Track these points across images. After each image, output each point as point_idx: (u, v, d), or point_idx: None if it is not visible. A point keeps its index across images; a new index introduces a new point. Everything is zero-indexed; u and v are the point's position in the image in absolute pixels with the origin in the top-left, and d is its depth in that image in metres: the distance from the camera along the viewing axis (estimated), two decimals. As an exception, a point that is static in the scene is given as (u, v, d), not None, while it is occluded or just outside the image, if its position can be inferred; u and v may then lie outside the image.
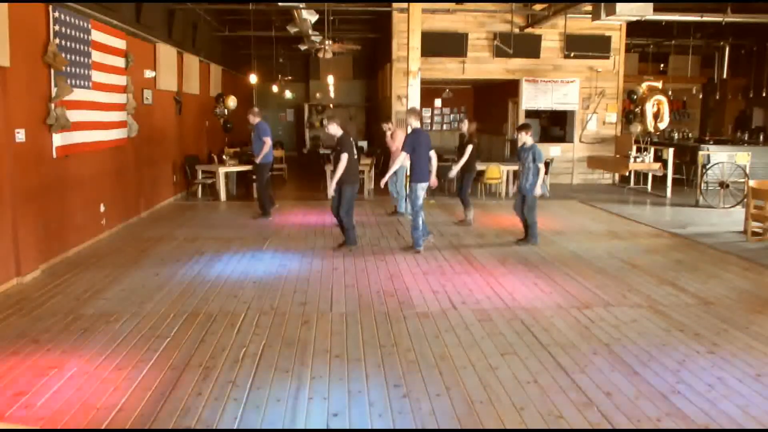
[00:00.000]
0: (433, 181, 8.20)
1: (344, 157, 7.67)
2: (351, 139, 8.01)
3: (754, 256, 7.79)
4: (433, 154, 8.05)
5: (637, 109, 14.95)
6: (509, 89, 15.98)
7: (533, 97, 15.05)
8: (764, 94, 16.67)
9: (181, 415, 3.67)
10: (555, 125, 16.94)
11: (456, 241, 8.56)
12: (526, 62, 14.76)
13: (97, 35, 8.27)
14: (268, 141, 10.09)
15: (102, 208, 8.60)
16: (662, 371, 4.31)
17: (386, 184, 9.16)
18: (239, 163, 12.72)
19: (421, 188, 7.85)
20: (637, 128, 14.39)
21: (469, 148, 9.59)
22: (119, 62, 9.10)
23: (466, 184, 9.83)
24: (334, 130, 7.97)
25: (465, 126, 9.90)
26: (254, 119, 10.26)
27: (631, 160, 13.37)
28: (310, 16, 12.14)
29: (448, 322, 5.30)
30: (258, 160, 10.11)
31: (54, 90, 7.11)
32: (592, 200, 12.39)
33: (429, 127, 20.62)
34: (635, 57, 18.88)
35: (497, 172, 12.43)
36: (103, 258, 7.52)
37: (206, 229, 9.36)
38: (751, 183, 9.05)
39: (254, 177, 10.86)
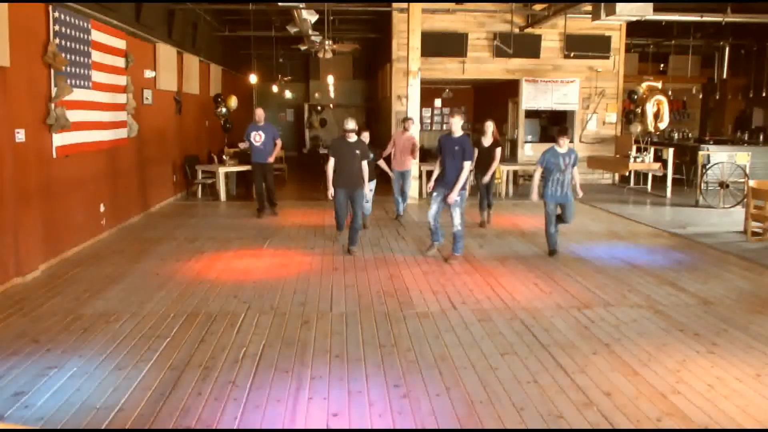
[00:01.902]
0: (451, 198, 7.24)
1: (329, 162, 7.79)
2: (350, 142, 7.71)
3: (754, 256, 7.79)
4: (466, 164, 7.20)
5: (637, 109, 14.96)
6: (509, 89, 15.98)
7: (533, 97, 15.04)
8: (764, 94, 16.66)
9: (181, 415, 3.67)
10: (555, 125, 16.92)
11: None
12: (526, 62, 14.75)
13: (97, 35, 8.27)
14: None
15: (102, 208, 8.60)
16: (662, 371, 4.31)
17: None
18: (239, 163, 12.71)
19: (433, 197, 7.49)
20: (637, 128, 14.39)
21: (498, 151, 9.36)
22: (119, 62, 9.10)
23: (491, 185, 9.71)
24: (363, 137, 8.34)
25: (490, 128, 9.30)
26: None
27: (631, 160, 13.37)
28: (310, 16, 12.14)
29: (448, 322, 5.30)
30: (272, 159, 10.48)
31: (54, 90, 7.11)
32: (592, 200, 12.38)
33: (429, 127, 20.60)
34: (635, 57, 18.86)
35: (497, 172, 12.42)
36: (103, 258, 7.52)
37: (206, 229, 9.36)
38: (751, 183, 9.05)
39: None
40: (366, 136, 8.61)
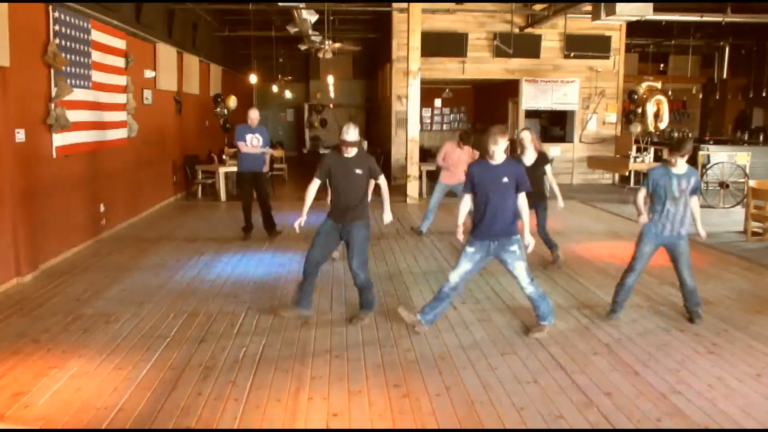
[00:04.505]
0: (527, 240, 4.99)
1: (312, 184, 5.34)
2: (349, 158, 5.27)
3: (754, 256, 7.79)
4: (522, 199, 4.98)
5: (637, 109, 14.97)
6: (509, 89, 15.99)
7: (533, 97, 15.06)
8: (764, 94, 16.69)
9: (181, 415, 3.67)
10: (555, 125, 16.96)
11: (456, 241, 8.55)
12: (526, 62, 14.77)
13: (97, 35, 8.27)
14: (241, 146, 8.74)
15: (102, 208, 8.59)
16: (662, 371, 4.31)
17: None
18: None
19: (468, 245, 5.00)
20: (637, 128, 14.41)
21: (549, 168, 7.08)
22: (119, 62, 9.10)
23: (543, 215, 7.13)
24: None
25: (527, 137, 6.88)
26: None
27: (631, 160, 13.37)
28: (310, 16, 12.13)
29: (448, 322, 5.30)
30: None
31: (54, 90, 7.11)
32: (592, 200, 12.39)
33: (429, 128, 20.60)
34: (635, 57, 18.88)
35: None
36: (103, 258, 7.52)
37: (206, 229, 9.36)
38: (751, 183, 9.06)
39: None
40: None
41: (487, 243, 4.92)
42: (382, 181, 5.47)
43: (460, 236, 5.15)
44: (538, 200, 6.84)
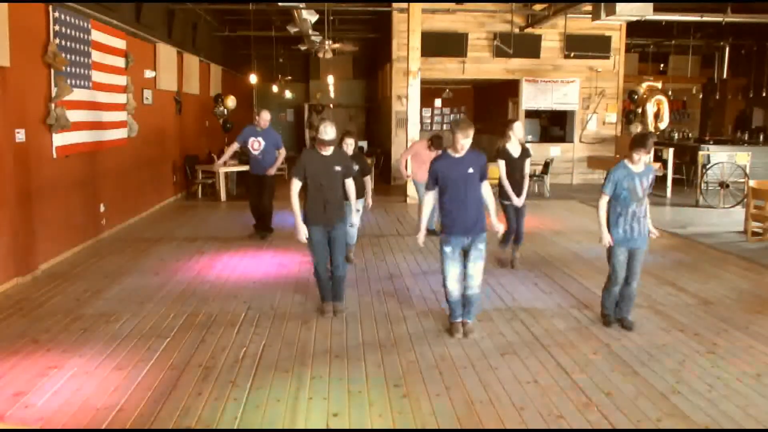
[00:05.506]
0: (497, 226, 5.08)
1: (293, 186, 5.45)
2: (326, 156, 5.36)
3: (754, 256, 7.79)
4: (486, 187, 4.97)
5: (637, 109, 14.97)
6: (509, 89, 15.99)
7: (533, 97, 15.05)
8: (764, 94, 16.69)
9: (181, 415, 3.67)
10: (555, 125, 16.96)
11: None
12: (526, 62, 14.76)
13: (97, 35, 8.27)
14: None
15: (102, 208, 8.60)
16: (662, 371, 4.31)
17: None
18: (239, 163, 12.71)
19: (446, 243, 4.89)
20: (637, 128, 14.40)
21: (528, 163, 7.07)
22: (119, 62, 9.10)
23: (524, 208, 7.18)
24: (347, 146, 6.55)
25: (519, 128, 6.98)
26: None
27: (631, 160, 13.36)
28: (310, 16, 12.14)
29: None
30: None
31: (54, 90, 7.11)
32: (592, 200, 12.38)
33: (429, 128, 20.60)
34: (635, 57, 18.88)
35: (496, 172, 12.40)
36: (103, 258, 7.52)
37: (206, 229, 9.36)
38: (751, 183, 9.06)
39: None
40: (350, 144, 6.64)
41: (462, 239, 4.83)
42: (349, 182, 5.62)
43: (422, 241, 5.03)
44: (522, 191, 7.00)
